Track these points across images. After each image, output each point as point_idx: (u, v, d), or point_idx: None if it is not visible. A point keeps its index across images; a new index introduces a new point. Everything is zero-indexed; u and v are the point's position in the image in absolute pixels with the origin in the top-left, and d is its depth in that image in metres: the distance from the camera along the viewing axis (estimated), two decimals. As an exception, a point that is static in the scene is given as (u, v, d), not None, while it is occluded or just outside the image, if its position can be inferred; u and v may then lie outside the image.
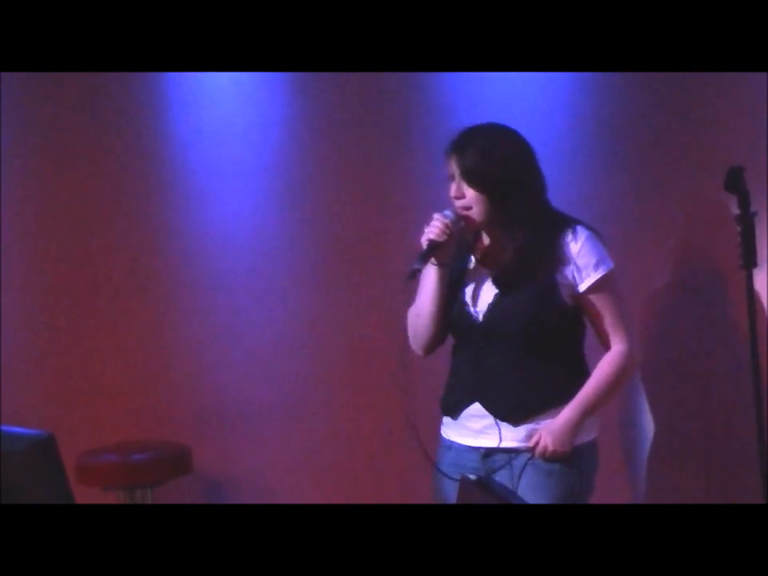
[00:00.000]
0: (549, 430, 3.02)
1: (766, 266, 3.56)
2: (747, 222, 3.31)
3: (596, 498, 3.16)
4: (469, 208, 3.04)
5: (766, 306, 3.74)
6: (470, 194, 3.03)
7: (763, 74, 3.68)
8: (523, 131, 3.02)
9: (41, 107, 4.53)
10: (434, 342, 3.18)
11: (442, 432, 3.21)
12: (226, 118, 4.40)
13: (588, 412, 3.05)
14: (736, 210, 3.36)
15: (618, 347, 3.06)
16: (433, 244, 3.02)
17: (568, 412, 3.03)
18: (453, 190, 3.05)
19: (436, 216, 3.04)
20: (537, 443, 3.03)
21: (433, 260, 3.05)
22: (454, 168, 3.04)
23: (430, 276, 3.09)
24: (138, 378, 4.49)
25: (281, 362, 4.36)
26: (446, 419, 3.18)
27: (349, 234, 4.27)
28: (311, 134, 4.33)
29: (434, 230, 3.02)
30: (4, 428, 2.32)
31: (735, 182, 3.30)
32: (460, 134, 3.06)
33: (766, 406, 3.41)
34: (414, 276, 3.02)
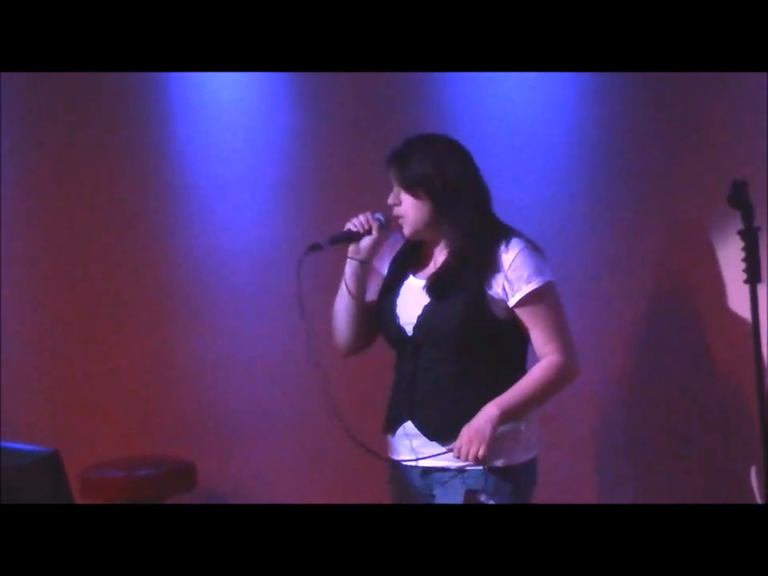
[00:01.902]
0: (467, 426, 2.92)
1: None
2: (751, 236, 3.29)
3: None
4: (404, 216, 3.04)
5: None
6: (407, 201, 3.03)
7: (763, 74, 3.68)
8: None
9: (41, 107, 4.52)
10: (353, 343, 3.17)
11: (386, 450, 3.15)
12: (228, 124, 4.39)
13: (509, 412, 2.94)
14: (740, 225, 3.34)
15: (551, 357, 2.97)
16: (348, 232, 3.07)
17: (488, 407, 2.93)
18: (390, 197, 3.06)
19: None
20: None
21: (351, 254, 3.09)
22: (392, 176, 3.05)
23: (345, 273, 3.11)
24: (141, 392, 4.47)
25: (285, 374, 4.32)
26: (387, 437, 3.13)
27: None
28: (314, 145, 4.30)
29: (354, 220, 3.07)
30: (9, 444, 2.33)
31: (739, 197, 3.29)
32: (401, 144, 3.07)
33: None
34: (313, 250, 3.04)
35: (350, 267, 3.11)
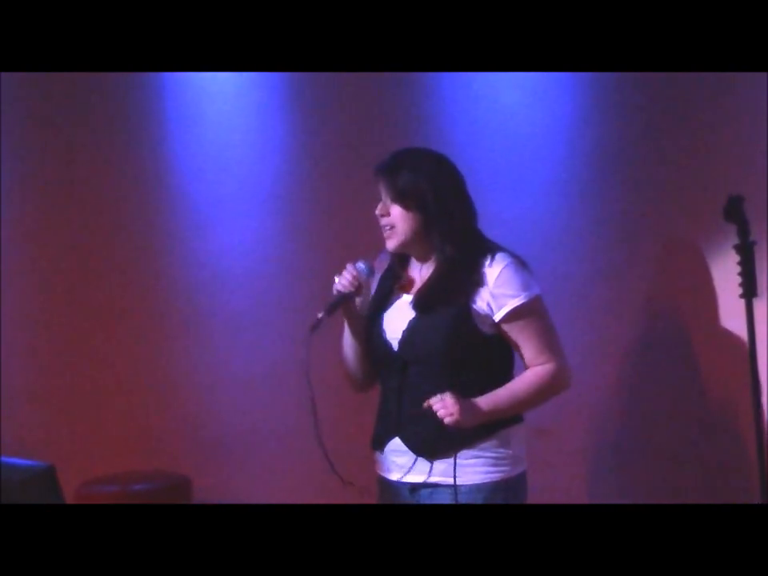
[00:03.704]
0: (456, 398, 2.90)
1: (766, 295, 3.55)
2: (746, 251, 3.30)
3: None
4: (393, 226, 3.04)
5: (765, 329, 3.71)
6: (396, 211, 3.03)
7: (763, 74, 3.68)
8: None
9: (41, 107, 4.52)
10: (367, 382, 3.19)
11: (375, 467, 3.16)
12: (227, 128, 4.39)
13: (497, 410, 2.95)
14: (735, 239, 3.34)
15: (546, 365, 2.99)
16: (341, 295, 3.05)
17: (478, 401, 2.92)
18: (378, 208, 3.06)
19: (347, 266, 3.07)
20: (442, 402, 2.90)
21: (346, 315, 3.09)
22: (381, 187, 3.05)
23: (346, 329, 3.13)
24: (136, 406, 4.48)
25: (281, 388, 4.31)
26: (376, 453, 3.14)
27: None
28: (311, 151, 4.30)
29: (342, 281, 3.06)
30: (4, 459, 2.33)
31: (734, 212, 3.30)
32: (390, 155, 3.08)
33: (763, 407, 3.42)
34: (315, 328, 3.01)
35: (350, 326, 3.11)
